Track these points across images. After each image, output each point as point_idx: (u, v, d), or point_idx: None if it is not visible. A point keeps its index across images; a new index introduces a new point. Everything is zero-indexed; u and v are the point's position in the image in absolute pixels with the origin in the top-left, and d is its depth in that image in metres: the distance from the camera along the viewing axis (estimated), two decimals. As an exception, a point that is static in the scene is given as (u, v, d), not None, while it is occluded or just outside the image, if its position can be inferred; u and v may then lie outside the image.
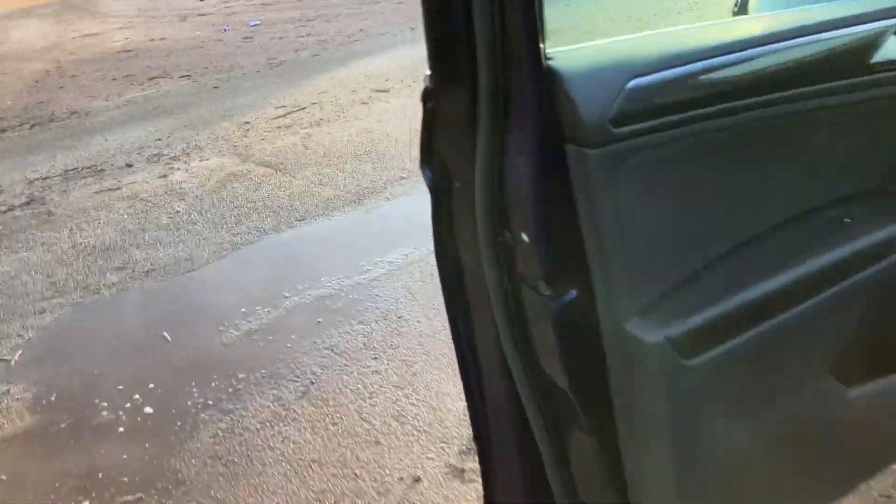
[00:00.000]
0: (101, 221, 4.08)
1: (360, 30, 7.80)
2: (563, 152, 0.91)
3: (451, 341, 2.86)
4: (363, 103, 5.47)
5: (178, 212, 4.12)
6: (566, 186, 0.92)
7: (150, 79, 6.86)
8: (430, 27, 0.96)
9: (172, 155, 4.88)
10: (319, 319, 3.08)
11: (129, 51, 8.29)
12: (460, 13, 0.92)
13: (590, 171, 0.90)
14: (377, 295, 3.20)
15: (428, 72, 1.03)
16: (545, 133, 0.90)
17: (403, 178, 4.24)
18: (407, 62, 6.34)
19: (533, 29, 0.89)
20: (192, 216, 4.05)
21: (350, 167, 4.44)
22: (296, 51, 7.28)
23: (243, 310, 3.20)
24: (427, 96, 1.05)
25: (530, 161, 0.91)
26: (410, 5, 8.84)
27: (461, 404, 2.54)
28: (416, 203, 3.99)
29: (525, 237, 0.94)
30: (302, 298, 3.23)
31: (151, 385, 2.81)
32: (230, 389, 2.74)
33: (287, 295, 3.27)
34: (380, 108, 5.34)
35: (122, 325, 3.23)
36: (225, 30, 8.79)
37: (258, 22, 8.85)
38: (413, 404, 2.56)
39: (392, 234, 3.71)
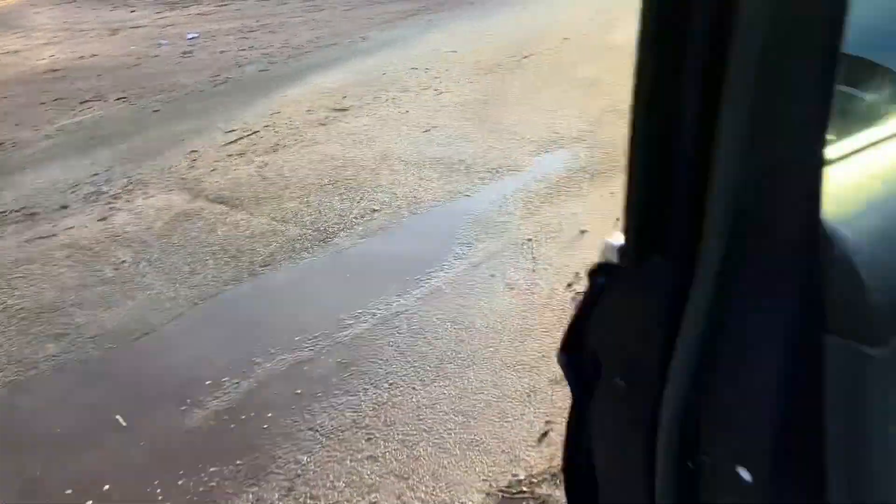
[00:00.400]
0: (36, 277, 3.60)
1: (308, 41, 7.35)
2: (820, 348, 0.56)
3: (456, 414, 2.50)
4: (321, 124, 5.06)
5: (123, 262, 3.66)
6: (815, 399, 0.57)
7: (83, 102, 6.31)
8: (639, 177, 0.60)
9: (113, 193, 4.40)
10: (299, 391, 2.68)
11: (56, 70, 7.67)
12: (688, 156, 0.56)
13: (867, 378, 0.55)
14: (362, 356, 2.82)
15: (612, 240, 0.67)
16: (798, 320, 0.55)
17: (376, 210, 3.85)
18: (363, 76, 5.93)
19: (815, 166, 0.53)
20: (141, 267, 3.60)
21: (315, 200, 4.03)
22: (240, 66, 6.80)
23: (208, 382, 2.78)
24: (600, 270, 0.69)
25: (767, 361, 0.56)
26: (359, 12, 8.42)
27: (478, 497, 2.18)
28: (394, 240, 3.62)
29: (745, 474, 0.59)
30: (275, 365, 2.83)
31: (106, 486, 2.39)
32: (201, 488, 2.33)
33: (258, 361, 2.86)
34: (340, 129, 4.94)
35: (66, 407, 2.78)
36: (161, 44, 8.24)
37: (196, 35, 8.31)
38: (421, 500, 2.19)
39: (370, 278, 3.33)
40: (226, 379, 2.78)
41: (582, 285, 3.01)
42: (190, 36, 8.33)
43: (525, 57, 5.72)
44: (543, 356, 2.65)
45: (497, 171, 4.07)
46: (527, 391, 2.51)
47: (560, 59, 5.61)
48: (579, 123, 4.52)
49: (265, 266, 3.49)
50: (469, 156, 4.28)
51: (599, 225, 3.42)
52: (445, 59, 5.94)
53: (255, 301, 3.30)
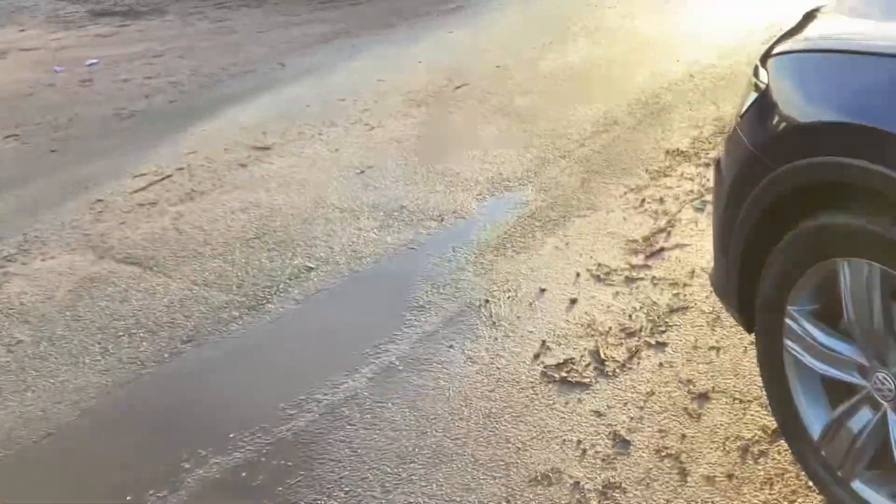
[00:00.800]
0: (-88, 365, 3.08)
1: (221, 67, 6.87)
2: None
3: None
4: (241, 166, 4.63)
5: (20, 342, 3.17)
6: None
7: (-33, 141, 5.68)
8: None
9: (5, 254, 3.87)
10: (237, 504, 2.30)
11: (-65, 101, 6.95)
12: None
13: None
14: (309, 456, 2.44)
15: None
16: None
17: (311, 268, 3.47)
18: (285, 108, 5.53)
19: None
20: (41, 347, 3.12)
21: (240, 257, 3.63)
22: (147, 97, 6.27)
23: (129, 497, 2.36)
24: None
25: None
26: (274, 34, 7.97)
27: None
28: (335, 305, 3.26)
29: None
30: (208, 471, 2.43)
31: None
32: None
33: (187, 467, 2.45)
34: (263, 171, 4.53)
35: (-49, 541, 2.31)
36: (56, 70, 7.59)
37: (96, 60, 7.69)
38: None
39: (311, 354, 2.96)
40: (151, 492, 2.36)
41: (550, 356, 2.73)
42: (89, 62, 7.71)
43: (458, 87, 5.44)
44: (518, 449, 2.35)
45: (442, 219, 3.76)
46: (504, 496, 2.20)
47: (495, 89, 5.35)
48: (523, 162, 4.26)
49: (188, 342, 3.07)
50: (410, 201, 3.95)
51: (558, 282, 3.15)
52: (374, 89, 5.60)
53: (179, 387, 2.88)
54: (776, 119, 1.93)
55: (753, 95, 2.05)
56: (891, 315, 1.67)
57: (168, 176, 4.58)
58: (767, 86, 1.99)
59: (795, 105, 1.90)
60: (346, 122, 5.06)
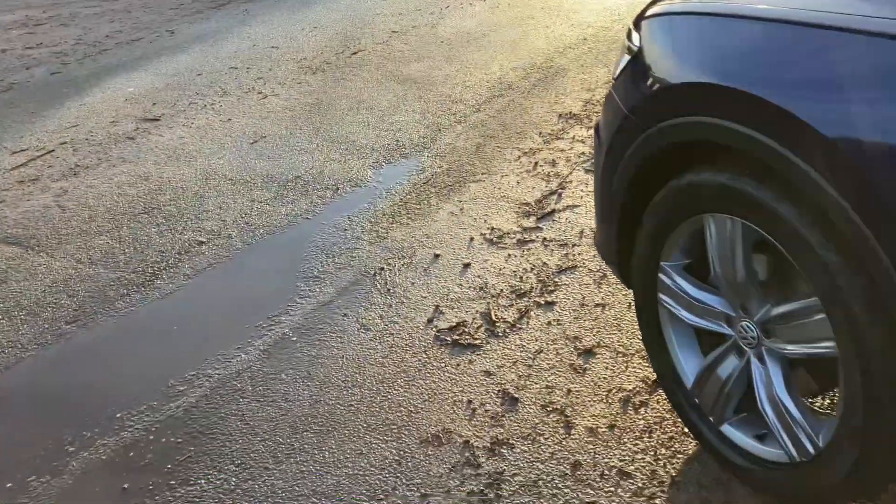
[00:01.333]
0: None
1: (107, 35, 6.56)
2: None
3: (319, 497, 2.17)
4: (129, 139, 4.46)
5: None
6: None
7: None
8: None
9: None
10: (125, 485, 2.24)
11: None
12: None
13: None
14: (199, 431, 2.41)
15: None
16: None
17: (203, 242, 3.39)
18: (175, 78, 5.33)
19: None
20: (-89, 335, 2.95)
21: (128, 233, 3.50)
22: (27, 68, 5.94)
23: (10, 485, 2.28)
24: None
25: None
26: (163, 0, 7.66)
27: None
28: (228, 279, 3.19)
29: None
30: (93, 453, 2.36)
31: None
32: None
33: (71, 449, 2.38)
34: (152, 144, 4.37)
35: None
36: (-74, 40, 7.11)
37: (-30, 29, 7.24)
38: None
39: (203, 329, 2.90)
40: (32, 478, 2.28)
41: (443, 320, 2.75)
42: (-38, 31, 7.25)
43: (354, 53, 5.36)
44: (410, 412, 2.37)
45: (337, 189, 3.72)
46: (396, 458, 2.22)
47: (391, 55, 5.30)
48: (419, 128, 4.25)
49: (72, 323, 2.96)
50: (304, 171, 3.89)
51: (452, 247, 3.17)
52: (267, 57, 5.46)
53: (63, 370, 2.77)
54: (647, 81, 1.97)
55: (626, 58, 2.09)
56: (752, 267, 1.75)
57: (50, 151, 4.36)
58: (640, 48, 2.02)
59: (665, 66, 1.93)
60: (239, 91, 4.93)
